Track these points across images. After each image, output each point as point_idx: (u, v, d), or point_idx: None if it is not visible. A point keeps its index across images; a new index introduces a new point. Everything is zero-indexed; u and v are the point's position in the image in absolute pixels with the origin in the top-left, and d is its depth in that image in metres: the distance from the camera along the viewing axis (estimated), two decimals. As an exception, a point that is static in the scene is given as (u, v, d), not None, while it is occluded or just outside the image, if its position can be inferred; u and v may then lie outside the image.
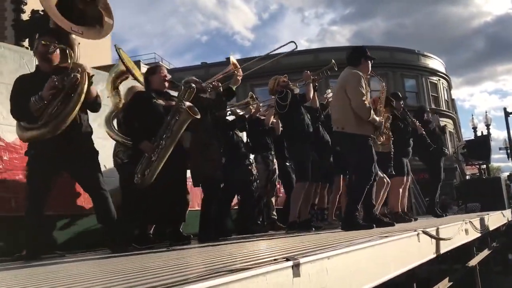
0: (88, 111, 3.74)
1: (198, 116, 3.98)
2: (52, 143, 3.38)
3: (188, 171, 4.56)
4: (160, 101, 4.12)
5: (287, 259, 1.54)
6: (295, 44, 5.41)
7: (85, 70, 3.54)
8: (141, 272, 1.72)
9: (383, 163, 5.61)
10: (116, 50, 4.78)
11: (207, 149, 4.43)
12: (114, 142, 4.75)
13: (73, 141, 3.50)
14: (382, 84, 5.28)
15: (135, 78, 4.82)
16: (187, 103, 3.99)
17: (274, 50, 6.22)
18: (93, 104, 3.70)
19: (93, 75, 3.65)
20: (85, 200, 4.50)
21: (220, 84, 4.74)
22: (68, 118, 3.44)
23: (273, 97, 5.52)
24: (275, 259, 1.58)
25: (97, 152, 3.76)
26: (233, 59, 5.66)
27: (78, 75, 3.47)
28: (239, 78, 4.82)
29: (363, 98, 4.43)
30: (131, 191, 4.10)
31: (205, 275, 1.24)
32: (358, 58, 4.71)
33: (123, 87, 4.95)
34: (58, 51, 3.59)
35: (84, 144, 3.62)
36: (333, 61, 5.67)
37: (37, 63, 4.28)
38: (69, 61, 3.55)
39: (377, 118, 4.62)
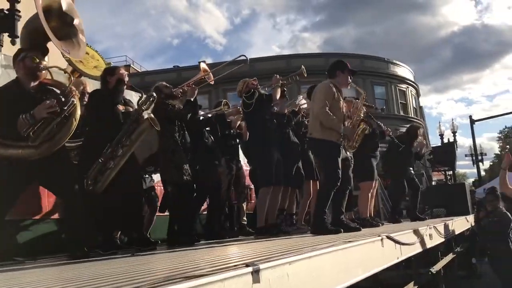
0: None
1: (159, 128, 3.93)
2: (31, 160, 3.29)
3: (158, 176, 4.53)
4: (120, 107, 4.04)
5: (247, 265, 1.53)
6: (246, 57, 5.94)
7: (78, 95, 3.54)
8: (97, 278, 1.68)
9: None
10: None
11: (174, 155, 4.42)
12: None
13: (50, 158, 3.40)
14: (362, 95, 5.49)
15: (85, 74, 4.73)
16: (149, 113, 3.93)
17: (228, 62, 6.51)
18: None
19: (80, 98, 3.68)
20: (45, 205, 4.38)
21: (189, 88, 4.75)
22: (62, 141, 3.41)
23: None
24: (235, 265, 1.57)
25: (69, 158, 3.69)
26: (203, 65, 5.65)
27: (75, 100, 3.47)
28: (196, 91, 4.81)
29: (322, 106, 4.63)
30: (93, 196, 4.00)
31: (158, 283, 1.22)
32: (334, 70, 4.91)
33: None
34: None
35: (57, 153, 3.52)
36: (302, 67, 5.73)
37: (3, 63, 4.17)
38: (68, 84, 3.52)
39: (341, 125, 4.71)
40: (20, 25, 6.30)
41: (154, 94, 4.13)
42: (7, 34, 6.51)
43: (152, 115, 3.95)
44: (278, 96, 5.26)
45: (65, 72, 3.70)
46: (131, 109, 4.08)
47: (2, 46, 6.43)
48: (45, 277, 2.14)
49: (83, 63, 4.96)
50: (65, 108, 3.39)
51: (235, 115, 6.13)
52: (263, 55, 28.87)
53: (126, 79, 4.21)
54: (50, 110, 3.30)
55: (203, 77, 5.28)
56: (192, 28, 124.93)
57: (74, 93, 3.52)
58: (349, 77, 4.93)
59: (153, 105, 4.13)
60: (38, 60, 3.48)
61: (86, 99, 4.38)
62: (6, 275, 2.47)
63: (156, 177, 5.09)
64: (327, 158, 4.68)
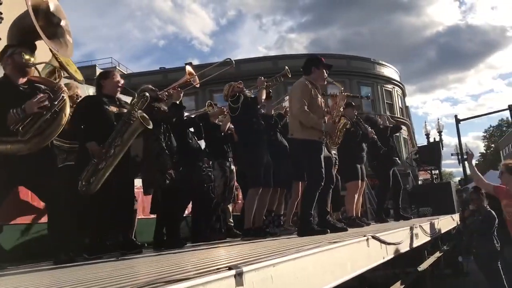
0: None
1: (150, 127, 3.92)
2: (18, 159, 3.25)
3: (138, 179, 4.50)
4: (112, 108, 4.02)
5: (230, 268, 1.52)
6: (231, 60, 5.95)
7: (67, 91, 3.54)
8: (80, 284, 1.66)
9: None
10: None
11: (158, 158, 4.40)
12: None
13: (38, 159, 3.37)
14: (340, 89, 5.40)
15: (70, 75, 4.71)
16: (140, 113, 3.92)
17: (213, 65, 6.50)
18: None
19: (69, 96, 3.72)
20: (29, 209, 4.32)
21: (174, 91, 4.75)
22: (52, 137, 3.39)
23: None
24: (218, 268, 1.56)
25: (56, 161, 3.66)
26: (188, 68, 5.65)
27: (65, 96, 3.46)
28: (181, 94, 4.84)
29: (300, 106, 4.62)
30: (75, 199, 3.96)
31: (140, 287, 1.21)
32: (309, 67, 4.88)
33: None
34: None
35: (45, 153, 3.48)
36: (286, 67, 5.75)
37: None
38: (57, 81, 3.53)
39: (321, 122, 4.69)
40: (3, 28, 6.24)
41: (147, 94, 4.12)
42: (-12, 36, 6.43)
43: (144, 114, 3.93)
44: (263, 98, 5.27)
45: (54, 66, 3.68)
46: (124, 110, 4.06)
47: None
48: (26, 284, 2.10)
49: (69, 66, 4.92)
50: (55, 103, 3.38)
51: (219, 115, 6.12)
52: (250, 56, 28.88)
53: (121, 82, 4.20)
54: (41, 104, 3.29)
55: (188, 80, 5.28)
56: (178, 30, 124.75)
57: (63, 89, 3.50)
58: (324, 72, 4.90)
59: (145, 104, 4.11)
60: (27, 56, 3.47)
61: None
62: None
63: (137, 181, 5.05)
64: (309, 158, 4.66)
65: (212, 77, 6.41)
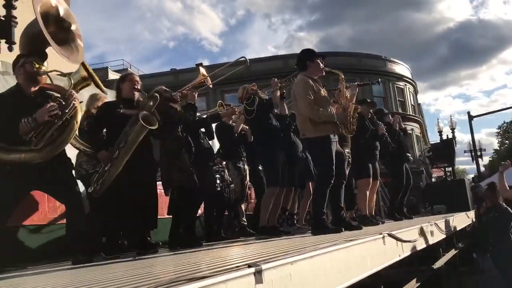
0: None
1: (154, 127, 3.93)
2: (33, 164, 3.30)
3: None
4: (126, 111, 4.05)
5: (249, 266, 1.53)
6: (246, 59, 5.95)
7: (78, 98, 3.57)
8: (101, 283, 1.68)
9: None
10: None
11: (177, 158, 4.44)
12: (75, 152, 4.64)
13: (52, 162, 3.42)
14: (340, 76, 5.13)
15: (97, 85, 4.75)
16: (144, 113, 3.94)
17: (227, 64, 6.48)
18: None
19: (81, 102, 3.71)
20: (48, 210, 4.39)
21: (189, 92, 4.78)
22: (64, 145, 3.43)
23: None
24: (237, 266, 1.57)
25: (71, 163, 3.72)
26: (202, 69, 5.67)
27: (76, 103, 3.49)
28: (195, 94, 4.87)
29: (307, 104, 4.54)
30: (98, 200, 4.02)
31: (163, 285, 1.22)
32: (304, 63, 4.80)
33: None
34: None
35: (60, 158, 3.53)
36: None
37: (0, 69, 4.19)
38: (69, 89, 3.55)
39: (333, 114, 4.64)
40: (16, 32, 6.33)
41: (156, 95, 4.15)
42: (4, 40, 6.53)
43: (146, 114, 3.92)
44: (278, 99, 5.30)
45: (64, 76, 3.73)
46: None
47: (0, 52, 6.44)
48: (47, 283, 2.14)
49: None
50: (66, 111, 3.41)
51: (231, 116, 6.15)
52: (260, 56, 28.86)
53: (138, 85, 4.22)
54: (51, 113, 3.32)
55: (202, 81, 5.30)
56: (188, 30, 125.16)
57: (74, 96, 3.53)
58: (320, 63, 4.80)
59: (154, 106, 4.14)
60: (38, 65, 3.51)
61: None
62: (7, 281, 2.47)
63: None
64: (320, 156, 4.63)
65: (224, 77, 6.42)
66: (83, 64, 4.44)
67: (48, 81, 3.70)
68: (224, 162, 6.40)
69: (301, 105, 4.63)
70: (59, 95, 3.55)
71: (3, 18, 6.53)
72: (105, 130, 4.20)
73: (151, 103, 4.07)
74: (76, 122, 3.50)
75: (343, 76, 5.15)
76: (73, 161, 4.63)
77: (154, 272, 2.01)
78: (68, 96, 3.50)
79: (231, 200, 6.40)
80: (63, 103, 3.44)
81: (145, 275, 1.82)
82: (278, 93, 5.29)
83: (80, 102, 3.67)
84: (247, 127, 6.11)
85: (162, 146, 4.53)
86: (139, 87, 4.21)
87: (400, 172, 7.43)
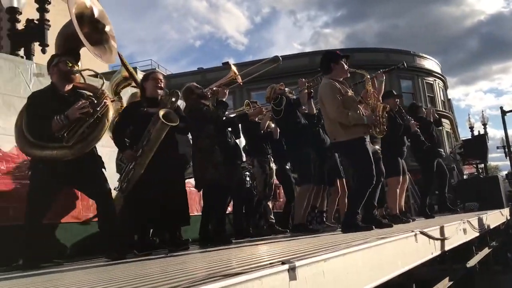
0: None
1: (175, 124, 3.96)
2: (65, 161, 3.39)
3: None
4: (149, 109, 4.08)
5: (283, 263, 1.54)
6: (279, 58, 5.95)
7: (110, 97, 3.67)
8: (137, 279, 1.72)
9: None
10: (120, 57, 4.79)
11: (210, 154, 4.48)
12: (110, 149, 4.74)
13: (83, 158, 3.50)
14: (366, 76, 5.08)
15: (137, 84, 4.84)
16: (163, 110, 3.95)
17: (260, 62, 6.43)
18: None
19: (113, 100, 3.84)
20: (82, 208, 4.50)
21: (220, 89, 4.82)
22: (95, 142, 3.51)
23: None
24: (271, 263, 1.58)
25: (102, 162, 3.78)
26: (233, 67, 5.69)
27: (108, 102, 3.58)
28: (226, 92, 4.88)
29: (336, 108, 4.45)
30: (129, 198, 4.10)
31: (199, 281, 1.25)
32: (327, 65, 4.71)
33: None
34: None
35: (92, 154, 3.62)
36: None
37: (35, 71, 4.31)
38: (101, 87, 3.63)
39: (363, 116, 4.57)
40: (49, 34, 6.50)
41: (177, 91, 4.19)
42: (37, 43, 6.71)
43: (166, 111, 3.95)
44: (305, 99, 5.29)
45: (97, 75, 3.81)
46: None
47: (34, 55, 6.63)
48: (85, 279, 2.20)
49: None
50: (98, 109, 3.49)
51: (258, 115, 6.15)
52: (285, 53, 28.72)
53: (161, 83, 4.26)
54: (82, 110, 3.40)
55: (232, 78, 5.32)
56: (214, 29, 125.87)
57: (106, 95, 3.61)
58: (344, 64, 4.71)
59: (176, 102, 4.19)
60: (71, 64, 3.60)
61: None
62: (45, 277, 2.55)
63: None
64: (358, 158, 4.53)
65: (253, 70, 6.41)
66: (124, 64, 4.53)
67: (81, 80, 3.80)
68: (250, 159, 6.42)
69: (330, 109, 4.54)
70: (91, 94, 3.64)
71: (36, 22, 6.72)
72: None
73: (173, 99, 4.11)
74: (107, 120, 3.58)
75: (368, 76, 5.09)
76: (112, 157, 4.75)
77: (188, 268, 2.05)
78: (100, 94, 3.58)
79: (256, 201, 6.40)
80: (95, 101, 3.51)
81: (179, 271, 1.85)
82: (306, 93, 5.29)
83: (112, 101, 3.75)
84: (273, 125, 6.12)
85: (194, 143, 4.58)
86: (162, 85, 4.25)
87: (430, 168, 7.31)
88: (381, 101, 5.10)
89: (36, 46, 6.81)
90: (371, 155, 4.54)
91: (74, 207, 4.51)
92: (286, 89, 5.62)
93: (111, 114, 3.63)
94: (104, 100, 3.57)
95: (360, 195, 4.49)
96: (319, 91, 4.74)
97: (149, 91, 4.22)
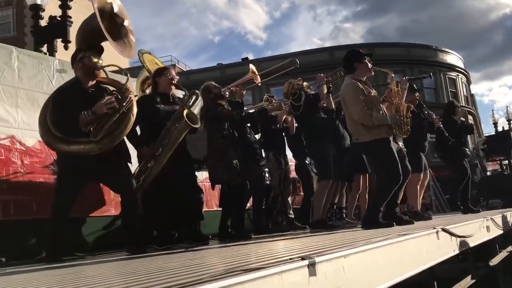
0: None
1: (197, 126, 3.99)
2: (91, 158, 3.43)
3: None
4: (163, 106, 4.12)
5: (303, 258, 1.54)
6: (296, 61, 5.92)
7: (133, 92, 3.68)
8: (157, 272, 1.74)
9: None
10: (139, 57, 4.85)
11: (224, 155, 4.50)
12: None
13: (111, 154, 3.53)
14: (390, 75, 5.05)
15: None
16: (188, 111, 3.99)
17: (276, 67, 6.44)
18: None
19: (136, 95, 3.84)
20: (105, 202, 4.56)
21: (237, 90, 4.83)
22: (120, 138, 3.54)
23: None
24: (290, 258, 1.58)
25: (129, 155, 3.82)
26: (252, 66, 5.70)
27: (132, 97, 3.61)
28: (243, 92, 4.93)
29: (360, 109, 4.38)
30: (148, 192, 4.13)
31: (220, 275, 1.25)
32: (351, 64, 4.64)
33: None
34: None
35: (118, 149, 3.65)
36: None
37: (57, 67, 4.37)
38: (125, 83, 3.66)
39: (386, 116, 4.51)
40: (71, 31, 6.60)
41: (197, 91, 4.21)
42: (60, 39, 6.82)
43: (189, 112, 3.99)
44: (324, 94, 5.26)
45: (121, 70, 3.84)
46: (176, 107, 4.18)
47: (56, 51, 6.73)
48: (106, 271, 2.23)
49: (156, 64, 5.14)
50: (123, 104, 3.53)
51: (277, 111, 6.13)
52: (305, 48, 28.57)
53: (175, 80, 4.29)
54: (109, 106, 3.44)
55: (251, 78, 5.33)
56: (233, 24, 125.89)
57: (130, 90, 3.64)
58: (368, 63, 4.63)
59: (196, 102, 4.21)
60: (95, 59, 3.63)
61: None
62: (69, 270, 2.59)
63: (200, 174, 5.19)
64: (384, 157, 4.46)
65: (270, 71, 6.42)
66: (143, 65, 4.55)
67: (104, 76, 3.84)
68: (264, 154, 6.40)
69: (352, 110, 4.47)
70: (114, 89, 3.68)
71: (59, 18, 6.82)
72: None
73: (193, 98, 4.14)
74: (132, 115, 3.60)
75: (393, 75, 5.04)
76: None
77: (208, 263, 2.06)
78: (125, 90, 3.61)
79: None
80: (120, 96, 3.55)
81: (200, 265, 1.86)
82: (325, 88, 5.25)
83: (135, 96, 3.78)
84: (289, 119, 6.10)
85: (209, 144, 4.59)
86: (175, 82, 4.27)
87: (462, 165, 7.20)
88: (404, 101, 5.05)
89: (59, 43, 6.92)
90: (396, 154, 4.48)
91: (97, 201, 4.58)
92: (304, 83, 5.59)
93: (135, 109, 3.66)
94: (129, 96, 3.60)
95: (386, 194, 4.44)
96: (342, 92, 4.67)
97: (162, 87, 4.24)
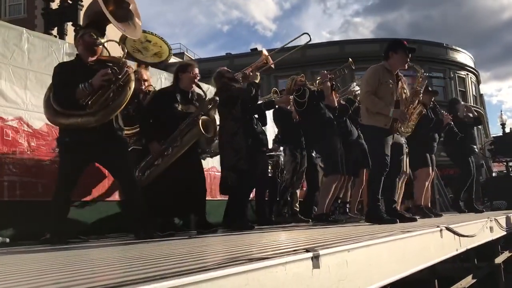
0: None
1: (210, 135, 4.02)
2: (89, 132, 3.45)
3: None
4: (181, 106, 4.14)
5: (307, 250, 1.54)
6: (309, 36, 5.53)
7: (130, 66, 3.69)
8: (162, 258, 1.75)
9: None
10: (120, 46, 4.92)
11: (233, 137, 4.47)
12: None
13: (109, 131, 3.56)
14: (420, 71, 5.07)
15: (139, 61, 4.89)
16: (204, 118, 4.01)
17: (288, 43, 6.19)
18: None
19: (135, 71, 3.87)
20: (108, 187, 4.58)
21: (251, 74, 4.76)
22: (117, 110, 3.55)
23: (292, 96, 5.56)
24: (294, 250, 1.58)
25: (127, 142, 3.83)
26: (264, 50, 5.62)
27: (130, 71, 3.62)
28: (258, 74, 4.82)
29: (365, 91, 4.53)
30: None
31: (224, 263, 1.25)
32: (387, 52, 4.68)
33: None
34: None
35: (117, 134, 3.68)
36: (350, 60, 5.72)
37: (67, 51, 4.42)
38: (121, 56, 3.69)
39: (390, 108, 4.47)
40: (82, 15, 6.60)
41: (217, 98, 4.22)
42: (70, 23, 6.82)
43: (205, 118, 4.02)
44: (328, 91, 5.25)
45: (119, 44, 3.93)
46: (192, 109, 4.19)
47: (66, 34, 6.74)
48: (110, 255, 2.25)
49: (142, 52, 5.12)
50: (119, 76, 3.54)
51: (284, 103, 6.09)
52: (314, 42, 28.34)
53: (197, 78, 4.29)
54: (105, 77, 3.46)
55: (264, 62, 5.24)
56: (242, 14, 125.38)
57: (127, 65, 3.67)
58: (404, 57, 4.63)
59: (213, 109, 4.26)
60: (95, 36, 3.66)
61: (144, 86, 4.55)
62: (73, 252, 2.61)
63: (205, 163, 5.19)
64: (373, 144, 4.61)
65: (277, 63, 6.32)
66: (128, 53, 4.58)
67: (106, 54, 3.86)
68: (282, 148, 6.41)
69: (361, 90, 4.73)
70: (113, 64, 3.71)
71: (70, 2, 6.82)
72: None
73: (210, 106, 4.17)
74: (129, 89, 3.60)
75: (422, 70, 5.10)
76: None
77: (212, 250, 2.07)
78: (122, 64, 3.64)
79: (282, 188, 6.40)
80: (117, 70, 3.58)
81: (204, 252, 1.87)
82: (329, 85, 5.26)
83: (134, 71, 3.81)
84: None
85: (221, 126, 4.58)
86: (197, 81, 4.27)
87: (467, 163, 7.20)
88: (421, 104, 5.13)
89: (69, 26, 6.92)
90: (387, 144, 4.48)
91: (101, 185, 4.60)
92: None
93: (133, 83, 3.66)
94: (126, 69, 3.62)
95: (375, 182, 4.50)
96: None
97: (185, 84, 4.24)
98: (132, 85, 3.63)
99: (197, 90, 4.41)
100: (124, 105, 3.60)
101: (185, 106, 4.17)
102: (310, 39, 5.57)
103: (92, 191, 4.56)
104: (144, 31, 5.07)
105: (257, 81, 4.73)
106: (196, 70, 4.31)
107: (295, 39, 5.93)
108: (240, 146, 4.51)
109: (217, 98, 4.23)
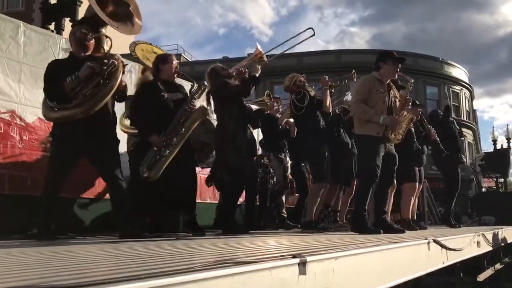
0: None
1: (210, 117, 4.02)
2: (79, 126, 3.46)
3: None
4: (168, 94, 4.11)
5: (294, 256, 1.54)
6: (313, 30, 5.57)
7: (120, 59, 3.68)
8: (148, 258, 1.74)
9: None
10: (130, 48, 4.94)
11: (235, 138, 4.40)
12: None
13: (99, 126, 3.57)
14: (410, 81, 5.09)
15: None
16: (200, 103, 4.05)
17: (293, 37, 6.13)
18: (122, 93, 3.81)
19: (126, 65, 3.84)
20: (99, 185, 4.56)
21: (246, 70, 4.69)
22: (102, 101, 3.55)
23: (289, 95, 5.51)
24: (281, 255, 1.58)
25: (118, 141, 3.82)
26: (258, 46, 5.59)
27: (116, 62, 3.62)
28: (259, 67, 4.70)
29: (355, 100, 4.61)
30: (137, 181, 4.11)
31: (211, 265, 1.25)
32: (377, 63, 4.73)
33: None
34: (93, 41, 3.75)
35: (108, 131, 3.68)
36: (353, 71, 5.70)
37: (64, 46, 4.42)
38: (106, 49, 3.73)
39: (379, 117, 4.48)
40: (80, 11, 6.57)
41: (205, 83, 4.22)
42: (68, 18, 6.79)
43: (204, 104, 4.05)
44: (327, 102, 5.23)
45: (106, 37, 3.91)
46: (180, 95, 4.17)
47: (64, 30, 6.71)
48: (97, 253, 2.23)
49: (150, 60, 5.14)
50: (105, 67, 3.56)
51: (271, 111, 6.06)
52: (309, 50, 28.39)
53: (178, 68, 4.31)
54: (90, 68, 3.48)
55: (258, 57, 5.18)
56: (239, 18, 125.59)
57: (116, 57, 3.67)
58: (395, 67, 4.67)
59: (204, 94, 4.23)
60: (86, 31, 3.70)
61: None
62: (60, 248, 2.59)
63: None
64: (364, 154, 4.62)
65: (273, 69, 6.35)
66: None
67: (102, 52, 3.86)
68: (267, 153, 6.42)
69: (351, 100, 4.81)
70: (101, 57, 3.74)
71: (69, -3, 6.79)
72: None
73: (202, 92, 4.22)
74: (115, 79, 3.61)
75: (412, 80, 5.13)
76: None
77: (200, 252, 2.06)
78: (109, 56, 3.66)
79: (273, 192, 6.40)
80: (105, 61, 3.60)
81: (191, 254, 1.86)
82: (328, 93, 5.25)
83: (125, 65, 3.81)
84: (292, 120, 6.07)
85: (219, 123, 4.49)
86: (177, 71, 4.28)
87: (455, 176, 7.26)
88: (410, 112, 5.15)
89: (67, 22, 6.89)
90: (379, 155, 4.49)
91: (91, 183, 4.58)
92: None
93: (120, 73, 3.66)
94: (113, 60, 3.62)
95: (362, 192, 4.52)
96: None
97: (167, 75, 4.20)
98: (119, 75, 3.64)
99: (184, 84, 4.44)
100: (110, 96, 3.61)
101: (172, 94, 4.14)
102: (314, 33, 5.59)
103: (83, 188, 4.54)
104: (151, 44, 5.29)
105: (257, 74, 4.61)
106: (176, 60, 4.31)
107: (299, 34, 5.91)
108: (242, 145, 4.43)
109: (206, 83, 4.24)
